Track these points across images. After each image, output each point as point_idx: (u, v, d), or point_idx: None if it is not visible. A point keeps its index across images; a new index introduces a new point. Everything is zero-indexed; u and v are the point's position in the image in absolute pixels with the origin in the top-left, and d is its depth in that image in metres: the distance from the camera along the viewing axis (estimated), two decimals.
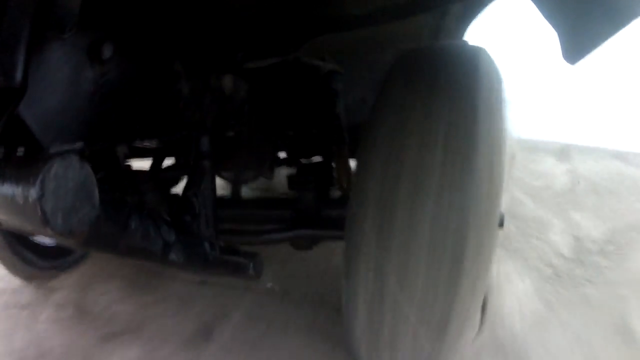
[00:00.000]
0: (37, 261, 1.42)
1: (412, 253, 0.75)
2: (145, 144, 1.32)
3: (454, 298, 0.76)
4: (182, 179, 1.43)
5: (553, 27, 0.71)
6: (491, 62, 0.85)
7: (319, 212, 1.18)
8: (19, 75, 0.49)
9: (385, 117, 0.81)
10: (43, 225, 0.49)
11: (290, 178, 1.30)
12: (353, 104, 1.44)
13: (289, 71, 1.24)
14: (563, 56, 0.72)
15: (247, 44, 0.90)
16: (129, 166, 1.31)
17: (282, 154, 1.55)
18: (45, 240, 1.42)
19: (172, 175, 1.44)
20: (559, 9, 0.69)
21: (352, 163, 1.36)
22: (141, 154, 1.40)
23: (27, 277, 1.45)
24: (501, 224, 0.97)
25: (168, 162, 1.45)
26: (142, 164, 1.45)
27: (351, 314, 0.89)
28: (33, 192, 0.48)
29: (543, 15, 0.71)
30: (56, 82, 0.55)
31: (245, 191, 1.51)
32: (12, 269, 1.40)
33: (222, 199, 1.33)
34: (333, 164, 1.37)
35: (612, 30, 0.63)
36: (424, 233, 0.74)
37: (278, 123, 1.29)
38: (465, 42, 0.82)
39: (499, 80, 0.85)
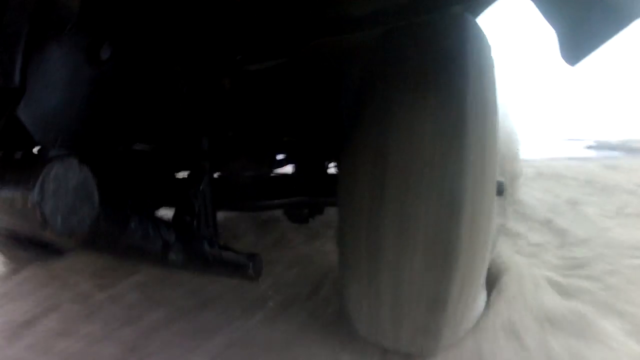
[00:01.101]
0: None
1: (408, 222, 0.75)
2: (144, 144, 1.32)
3: (452, 267, 0.76)
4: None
5: (552, 26, 0.71)
6: (479, 30, 0.85)
7: (316, 182, 1.19)
8: (17, 76, 0.49)
9: (376, 89, 0.83)
10: (43, 227, 0.49)
11: (288, 152, 1.30)
12: (351, 103, 1.44)
13: (289, 71, 1.23)
14: (562, 56, 0.72)
15: (247, 46, 0.89)
16: (130, 166, 1.31)
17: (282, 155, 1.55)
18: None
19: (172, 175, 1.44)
20: (558, 8, 0.69)
21: None
22: (141, 154, 1.39)
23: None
24: (500, 192, 0.97)
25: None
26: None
27: (349, 289, 0.90)
28: (32, 195, 0.48)
29: (542, 15, 0.71)
30: (55, 82, 0.55)
31: None
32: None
33: (220, 178, 1.34)
34: (333, 167, 1.37)
35: (612, 32, 0.63)
36: (419, 201, 0.74)
37: (278, 124, 1.29)
38: (451, 15, 0.82)
39: (487, 48, 0.86)
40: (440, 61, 0.78)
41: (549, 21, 0.70)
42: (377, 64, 0.87)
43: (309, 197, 1.16)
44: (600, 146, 5.90)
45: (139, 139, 0.76)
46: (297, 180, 1.21)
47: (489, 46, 0.87)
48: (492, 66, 0.86)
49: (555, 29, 0.70)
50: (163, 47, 0.78)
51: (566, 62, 0.72)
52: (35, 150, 0.55)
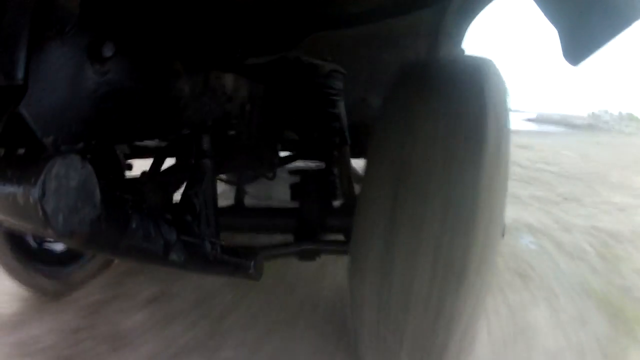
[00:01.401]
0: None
1: (418, 261, 0.74)
2: (146, 143, 1.32)
3: (457, 310, 0.76)
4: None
5: (554, 26, 0.71)
6: (497, 74, 0.84)
7: (323, 223, 1.19)
8: (19, 74, 0.49)
9: (392, 137, 0.81)
10: (44, 226, 0.49)
11: (293, 187, 1.30)
12: (353, 104, 1.44)
13: (289, 71, 1.23)
14: (564, 56, 0.72)
15: (246, 40, 0.89)
16: (130, 166, 1.31)
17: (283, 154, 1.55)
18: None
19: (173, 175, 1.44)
20: (560, 8, 0.69)
21: (353, 163, 1.37)
22: (142, 153, 1.39)
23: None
24: (503, 234, 0.97)
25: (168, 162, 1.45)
26: (142, 164, 1.45)
27: (358, 323, 0.88)
28: (34, 193, 0.48)
29: (544, 13, 0.71)
30: (57, 81, 0.55)
31: (248, 200, 1.50)
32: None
33: (225, 207, 1.33)
34: (335, 172, 1.37)
35: (614, 32, 0.63)
36: (429, 242, 0.74)
37: (279, 123, 1.28)
38: (471, 55, 0.81)
39: (505, 94, 0.85)
40: (457, 107, 0.76)
41: (550, 21, 0.70)
42: (392, 106, 0.85)
43: (316, 244, 1.15)
44: (540, 120, 5.89)
45: (140, 137, 0.75)
46: (303, 221, 1.20)
47: (506, 89, 0.86)
48: (508, 115, 0.85)
49: (557, 29, 0.70)
50: (164, 44, 0.78)
51: (568, 61, 0.72)
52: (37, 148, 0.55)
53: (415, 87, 0.83)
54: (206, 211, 0.90)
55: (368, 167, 0.84)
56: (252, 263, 0.89)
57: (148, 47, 0.74)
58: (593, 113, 15.67)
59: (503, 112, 0.81)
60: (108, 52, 0.61)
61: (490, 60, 0.85)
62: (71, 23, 0.54)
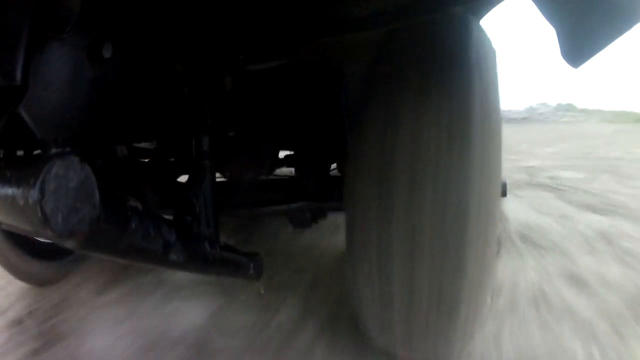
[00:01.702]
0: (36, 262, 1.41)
1: (417, 224, 0.75)
2: (145, 144, 1.32)
3: (462, 269, 0.76)
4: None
5: (553, 26, 0.70)
6: (482, 33, 0.84)
7: (319, 186, 1.18)
8: (19, 74, 0.49)
9: (379, 93, 0.82)
10: (43, 226, 0.49)
11: (288, 157, 1.29)
12: (354, 105, 1.43)
13: (290, 71, 1.23)
14: (563, 57, 0.71)
15: (249, 45, 0.89)
16: (130, 165, 1.31)
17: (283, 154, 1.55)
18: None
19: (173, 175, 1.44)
20: (560, 8, 0.69)
21: None
22: (141, 154, 1.39)
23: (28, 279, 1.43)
24: (504, 194, 0.97)
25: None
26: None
27: (360, 294, 0.89)
28: (33, 193, 0.48)
29: (544, 15, 0.71)
30: (56, 81, 0.55)
31: None
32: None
33: (221, 183, 1.33)
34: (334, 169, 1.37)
35: (614, 34, 0.63)
36: (426, 205, 0.74)
37: (279, 123, 1.28)
38: (454, 16, 0.81)
39: (492, 53, 0.85)
40: (443, 64, 0.77)
41: (549, 21, 0.70)
42: (380, 66, 0.86)
43: (311, 202, 1.15)
44: None
45: (140, 138, 0.75)
46: (299, 184, 1.20)
47: (493, 50, 0.86)
48: (496, 69, 0.86)
49: (556, 29, 0.70)
50: (164, 45, 0.78)
51: (568, 63, 0.72)
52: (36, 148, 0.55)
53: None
54: (206, 211, 0.90)
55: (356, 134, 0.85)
56: (252, 263, 0.89)
57: (148, 48, 0.74)
58: (530, 106, 15.73)
59: (491, 70, 0.82)
60: (108, 52, 0.61)
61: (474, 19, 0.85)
62: (71, 23, 0.53)
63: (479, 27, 0.85)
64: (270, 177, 1.35)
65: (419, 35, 0.83)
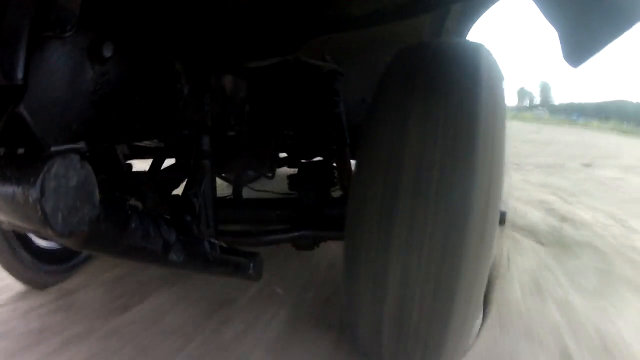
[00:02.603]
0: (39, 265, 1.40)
1: (414, 250, 0.75)
2: (145, 143, 1.32)
3: (458, 282, 0.76)
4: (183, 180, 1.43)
5: (554, 26, 0.70)
6: (492, 59, 0.84)
7: (321, 211, 1.18)
8: (19, 74, 0.49)
9: (385, 116, 0.81)
10: (43, 225, 0.49)
11: (290, 178, 1.29)
12: (353, 105, 1.44)
13: (289, 71, 1.24)
14: (564, 57, 0.71)
15: (248, 43, 0.89)
16: (130, 166, 1.31)
17: (283, 154, 1.55)
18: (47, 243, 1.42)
19: (173, 175, 1.44)
20: (560, 9, 0.69)
21: (353, 163, 1.37)
22: (141, 153, 1.40)
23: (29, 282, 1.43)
24: (502, 222, 0.96)
25: (169, 162, 1.45)
26: (142, 164, 1.45)
27: (353, 312, 0.89)
28: (33, 192, 0.48)
29: (544, 15, 0.71)
30: (57, 81, 0.55)
31: (246, 192, 1.51)
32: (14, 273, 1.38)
33: (223, 199, 1.33)
34: (334, 164, 1.37)
35: (615, 34, 0.63)
36: (425, 231, 0.74)
37: (279, 123, 1.29)
38: (465, 40, 0.81)
39: (500, 78, 0.85)
40: (452, 88, 0.77)
41: (550, 21, 0.70)
42: (390, 83, 0.85)
43: (313, 230, 1.15)
44: None
45: (140, 137, 0.75)
46: (301, 210, 1.19)
47: (501, 75, 0.86)
48: (504, 95, 0.85)
49: (556, 30, 0.70)
50: (164, 45, 0.78)
51: (568, 63, 0.72)
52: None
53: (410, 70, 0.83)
54: (205, 211, 0.90)
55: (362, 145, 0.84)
56: (252, 263, 0.89)
57: (148, 48, 0.74)
58: None
59: (498, 96, 0.81)
60: (108, 52, 0.61)
61: (483, 45, 0.85)
62: (71, 23, 0.54)
63: (487, 51, 0.84)
64: (273, 198, 1.34)
65: (428, 58, 0.83)
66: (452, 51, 0.83)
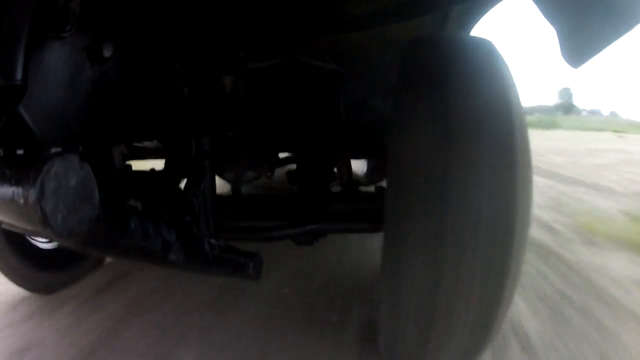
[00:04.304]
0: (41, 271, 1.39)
1: (466, 245, 0.71)
2: (145, 143, 1.32)
3: (503, 293, 0.74)
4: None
5: (553, 26, 0.71)
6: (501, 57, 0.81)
7: (321, 206, 1.18)
8: (18, 74, 0.49)
9: (420, 112, 0.76)
10: (43, 226, 0.49)
11: (290, 173, 1.29)
12: (353, 105, 1.44)
13: (289, 71, 1.23)
14: (564, 58, 0.71)
15: (248, 44, 0.89)
16: (129, 167, 1.31)
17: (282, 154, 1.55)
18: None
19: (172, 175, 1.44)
20: (561, 8, 0.69)
21: (353, 163, 1.37)
22: (141, 153, 1.39)
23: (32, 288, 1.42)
24: None
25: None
26: (142, 164, 1.45)
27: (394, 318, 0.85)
28: (33, 193, 0.48)
29: (544, 15, 0.71)
30: (56, 81, 0.55)
31: (245, 188, 1.51)
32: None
33: (222, 196, 1.33)
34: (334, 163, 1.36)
35: (614, 35, 0.63)
36: (477, 232, 0.70)
37: (278, 123, 1.29)
38: (484, 39, 0.79)
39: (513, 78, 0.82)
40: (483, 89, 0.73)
41: (550, 21, 0.70)
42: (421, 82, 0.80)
43: (318, 224, 1.14)
44: None
45: (139, 137, 0.75)
46: (304, 204, 1.18)
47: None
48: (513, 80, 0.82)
49: (556, 30, 0.70)
50: (164, 45, 0.78)
51: (568, 63, 0.72)
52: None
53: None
54: (205, 212, 0.90)
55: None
56: (252, 263, 0.89)
57: (148, 48, 0.74)
58: None
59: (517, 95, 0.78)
60: (108, 52, 0.61)
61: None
62: (71, 23, 0.54)
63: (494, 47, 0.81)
64: (273, 194, 1.34)
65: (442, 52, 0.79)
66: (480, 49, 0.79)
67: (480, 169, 0.70)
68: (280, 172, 1.58)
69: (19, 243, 1.31)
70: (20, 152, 0.55)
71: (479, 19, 1.42)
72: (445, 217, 0.71)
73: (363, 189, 1.30)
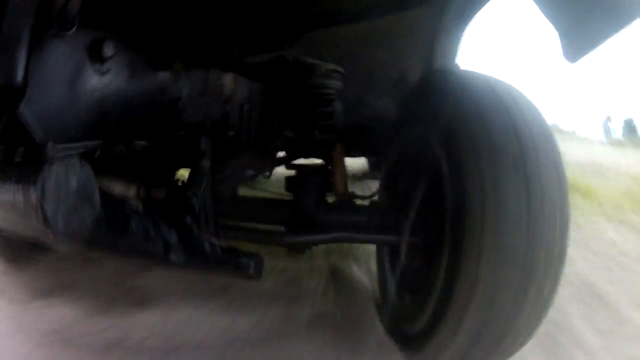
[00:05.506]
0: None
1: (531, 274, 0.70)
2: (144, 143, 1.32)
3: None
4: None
5: (553, 25, 0.71)
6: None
7: (317, 216, 1.18)
8: (19, 75, 0.49)
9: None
10: (44, 227, 0.49)
11: (288, 180, 1.29)
12: (351, 103, 1.43)
13: (288, 71, 1.23)
14: (563, 54, 0.72)
15: (244, 39, 0.89)
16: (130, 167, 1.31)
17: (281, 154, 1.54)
18: None
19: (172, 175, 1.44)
20: (559, 7, 0.69)
21: (349, 161, 1.36)
22: (141, 153, 1.39)
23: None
24: None
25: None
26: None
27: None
28: (34, 193, 0.48)
29: (543, 13, 0.72)
30: (57, 81, 0.55)
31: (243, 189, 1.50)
32: None
33: (220, 196, 1.32)
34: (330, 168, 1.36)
35: (612, 31, 0.64)
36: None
37: (277, 123, 1.28)
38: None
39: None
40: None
41: (550, 20, 0.71)
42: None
43: (309, 236, 1.13)
44: None
45: (139, 137, 0.75)
46: (297, 213, 1.18)
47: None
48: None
49: (556, 28, 0.70)
50: (164, 44, 0.78)
51: (567, 59, 0.72)
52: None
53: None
54: (205, 212, 0.90)
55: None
56: (252, 263, 0.89)
57: (148, 47, 0.74)
58: None
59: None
60: (108, 52, 0.61)
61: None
62: (71, 23, 0.53)
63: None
64: (270, 198, 1.33)
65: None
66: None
67: None
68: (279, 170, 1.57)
69: None
70: (21, 152, 0.55)
71: (477, 13, 1.41)
72: None
73: (358, 201, 1.29)
